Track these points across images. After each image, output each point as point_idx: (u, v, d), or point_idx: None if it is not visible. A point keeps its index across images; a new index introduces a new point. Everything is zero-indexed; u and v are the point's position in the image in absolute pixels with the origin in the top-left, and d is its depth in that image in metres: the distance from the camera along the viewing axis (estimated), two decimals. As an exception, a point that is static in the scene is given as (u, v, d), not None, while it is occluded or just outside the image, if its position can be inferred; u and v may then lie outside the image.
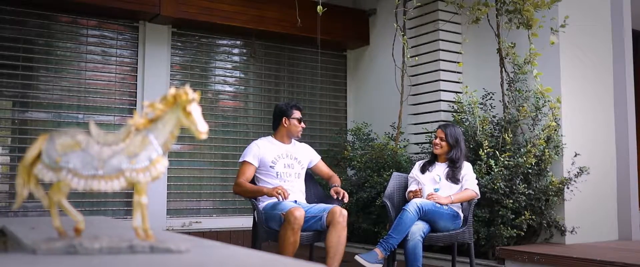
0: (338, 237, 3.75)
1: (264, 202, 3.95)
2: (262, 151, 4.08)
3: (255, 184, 4.07)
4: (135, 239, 1.78)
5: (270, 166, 4.03)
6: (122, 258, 1.64)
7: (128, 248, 1.72)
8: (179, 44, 5.88)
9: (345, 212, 3.80)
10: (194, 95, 1.80)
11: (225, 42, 6.16)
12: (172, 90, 1.83)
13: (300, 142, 4.32)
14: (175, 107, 1.83)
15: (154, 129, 1.81)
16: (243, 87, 6.28)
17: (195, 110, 1.79)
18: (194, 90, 1.83)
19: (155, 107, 1.82)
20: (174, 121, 1.82)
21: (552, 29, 4.54)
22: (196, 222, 5.74)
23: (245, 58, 6.26)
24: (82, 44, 5.43)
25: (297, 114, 4.16)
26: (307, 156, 4.23)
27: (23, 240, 1.91)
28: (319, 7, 4.61)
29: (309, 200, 4.15)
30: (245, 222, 5.79)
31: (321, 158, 4.34)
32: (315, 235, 3.96)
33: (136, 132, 1.81)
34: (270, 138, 4.21)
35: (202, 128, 1.78)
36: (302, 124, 4.20)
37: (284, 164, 4.08)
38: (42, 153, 1.70)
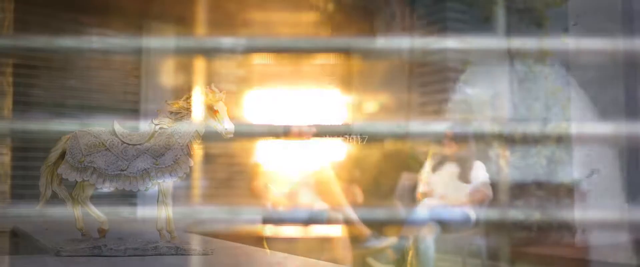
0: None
1: None
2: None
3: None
4: (160, 240, 1.73)
5: (282, 166, 4.01)
6: (149, 260, 1.60)
7: (153, 249, 1.68)
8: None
9: None
10: (221, 94, 1.76)
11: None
12: (198, 89, 1.79)
13: None
14: (201, 106, 1.79)
15: (179, 129, 1.77)
16: (247, 87, 6.21)
17: (222, 109, 1.75)
18: (220, 89, 1.78)
19: (180, 106, 1.78)
20: (200, 120, 1.78)
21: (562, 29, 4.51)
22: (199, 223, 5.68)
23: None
24: (85, 42, 5.36)
25: None
26: None
27: (44, 242, 1.86)
28: (329, 5, 4.56)
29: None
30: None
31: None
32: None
33: (161, 132, 1.76)
34: None
35: (229, 127, 1.73)
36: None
37: (296, 164, 4.06)
38: (66, 153, 1.65)
